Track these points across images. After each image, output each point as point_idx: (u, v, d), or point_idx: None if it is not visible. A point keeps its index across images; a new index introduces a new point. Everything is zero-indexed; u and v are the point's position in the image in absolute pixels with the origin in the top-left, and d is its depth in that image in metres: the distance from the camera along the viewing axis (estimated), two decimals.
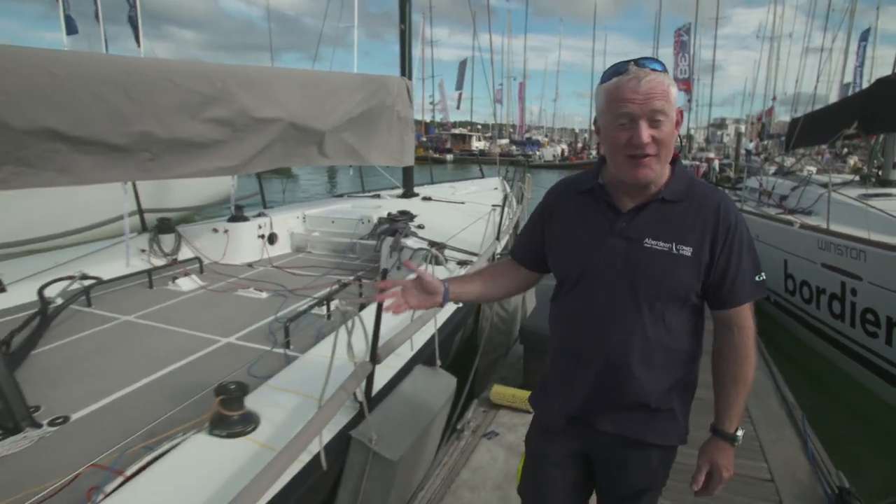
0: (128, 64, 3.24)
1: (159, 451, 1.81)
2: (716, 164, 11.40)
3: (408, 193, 7.06)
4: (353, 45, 8.24)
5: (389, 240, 4.67)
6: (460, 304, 3.39)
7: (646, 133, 1.13)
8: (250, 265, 5.12)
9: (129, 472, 1.71)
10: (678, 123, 1.20)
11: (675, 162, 1.26)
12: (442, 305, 1.41)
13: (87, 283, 3.84)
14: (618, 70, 1.17)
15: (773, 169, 9.51)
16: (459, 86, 48.21)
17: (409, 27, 6.60)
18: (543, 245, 1.40)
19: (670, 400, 1.29)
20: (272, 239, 5.48)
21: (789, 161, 9.38)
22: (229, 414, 1.79)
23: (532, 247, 1.44)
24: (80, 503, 1.81)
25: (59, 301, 3.63)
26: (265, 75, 4.24)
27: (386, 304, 1.33)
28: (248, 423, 1.83)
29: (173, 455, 1.75)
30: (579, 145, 48.70)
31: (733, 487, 2.42)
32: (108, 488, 1.68)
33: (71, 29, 22.37)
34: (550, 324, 1.40)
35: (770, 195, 7.18)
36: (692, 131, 39.52)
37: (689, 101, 33.89)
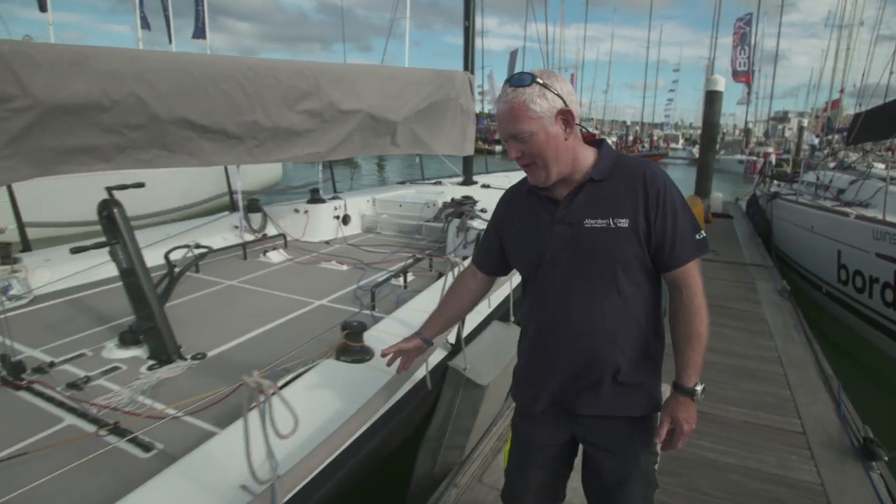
0: (243, 63, 3.78)
1: (298, 371, 2.30)
2: (772, 158, 11.23)
3: (467, 181, 7.48)
4: (401, 36, 8.67)
5: (456, 221, 5.10)
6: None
7: (514, 151, 1.29)
8: (327, 242, 5.67)
9: (279, 384, 2.21)
10: (568, 122, 1.28)
11: (599, 144, 1.38)
12: (431, 345, 1.67)
13: (199, 251, 4.46)
14: (501, 92, 1.31)
15: (833, 164, 9.39)
16: (509, 75, 48.09)
17: (473, 24, 6.98)
18: (500, 250, 1.51)
19: (640, 372, 1.35)
20: (346, 220, 6.02)
21: (854, 156, 9.22)
22: (353, 345, 2.26)
23: (490, 252, 1.56)
24: (236, 410, 2.32)
25: (176, 266, 4.25)
26: (350, 71, 4.73)
27: (394, 366, 1.65)
28: (367, 353, 2.29)
29: (310, 374, 2.24)
30: (630, 138, 47.75)
31: (767, 436, 2.74)
32: (266, 395, 2.18)
33: (144, 24, 23.90)
34: (523, 317, 1.49)
35: (827, 188, 7.20)
36: (750, 125, 38.19)
37: (749, 93, 32.75)
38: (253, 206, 5.65)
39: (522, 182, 1.46)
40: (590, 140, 1.38)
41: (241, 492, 1.67)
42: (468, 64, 7.05)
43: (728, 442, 2.69)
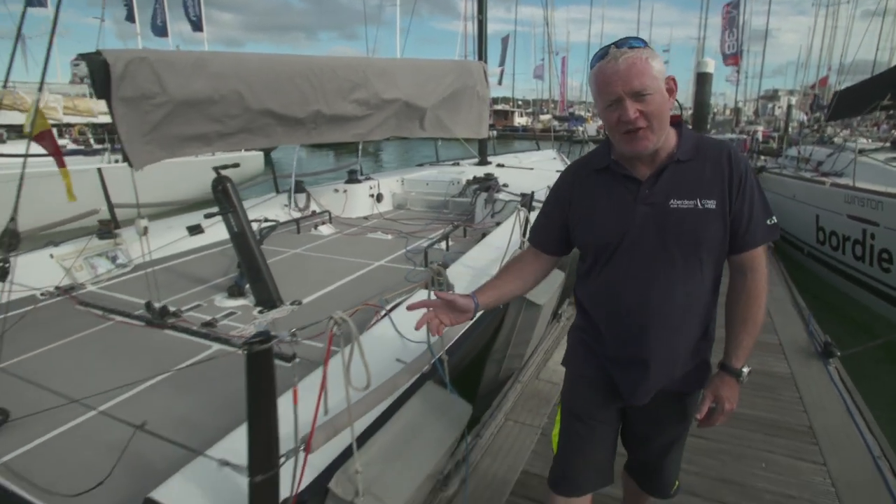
0: (311, 61, 4.45)
1: (397, 301, 3.03)
2: (759, 135, 11.99)
3: (483, 161, 8.18)
4: (388, 23, 9.31)
5: (484, 195, 5.82)
6: None
7: (632, 109, 1.20)
8: (365, 218, 6.37)
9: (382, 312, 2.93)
10: (672, 91, 1.27)
11: (679, 125, 1.34)
12: (473, 317, 1.45)
13: (267, 224, 5.16)
14: (601, 55, 1.26)
15: (815, 139, 10.16)
16: (502, 62, 48.56)
17: (485, 17, 7.64)
18: (563, 228, 1.45)
19: (703, 351, 1.39)
20: (379, 198, 6.73)
21: (843, 133, 9.94)
22: (440, 278, 2.99)
23: (552, 231, 1.49)
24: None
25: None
26: (390, 65, 5.40)
27: (423, 325, 1.38)
28: (450, 286, 3.02)
29: (406, 302, 2.96)
30: None
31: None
32: (378, 318, 2.90)
33: (130, 17, 24.25)
34: (591, 298, 1.44)
35: (808, 161, 7.98)
36: (740, 104, 38.90)
37: (738, 72, 33.44)
38: (298, 187, 6.34)
39: (592, 159, 1.44)
40: (671, 122, 1.33)
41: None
42: (481, 54, 7.71)
43: (719, 353, 3.45)
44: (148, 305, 3.50)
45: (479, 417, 2.83)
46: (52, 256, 4.17)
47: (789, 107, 29.26)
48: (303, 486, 1.48)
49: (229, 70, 3.67)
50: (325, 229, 5.71)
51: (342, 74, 4.73)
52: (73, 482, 1.91)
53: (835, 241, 6.19)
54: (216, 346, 3.08)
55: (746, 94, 38.95)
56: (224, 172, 3.71)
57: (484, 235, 4.67)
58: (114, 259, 4.49)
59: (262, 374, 1.25)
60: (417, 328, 1.38)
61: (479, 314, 1.49)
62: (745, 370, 1.34)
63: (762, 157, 10.73)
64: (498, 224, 5.17)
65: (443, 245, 4.86)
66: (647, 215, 1.28)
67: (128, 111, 3.13)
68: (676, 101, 1.33)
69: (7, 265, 2.51)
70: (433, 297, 1.47)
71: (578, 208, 1.41)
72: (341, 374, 1.53)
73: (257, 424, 1.28)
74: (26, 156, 2.78)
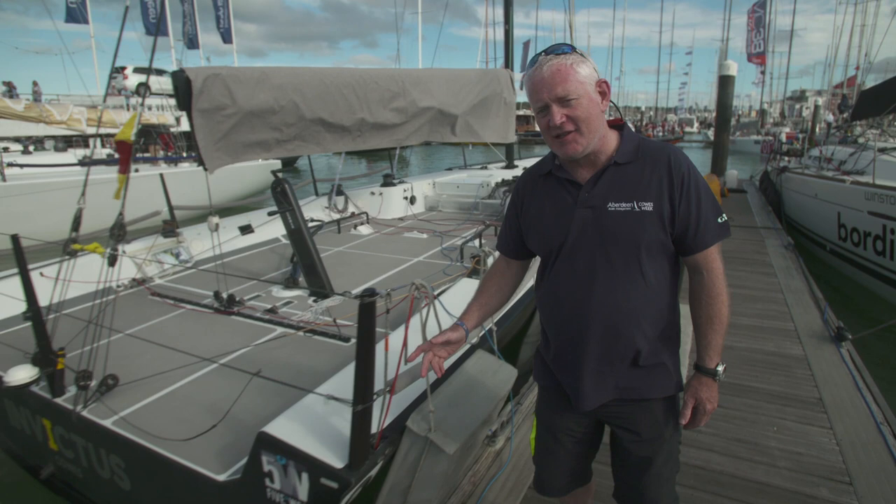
0: (356, 73, 4.85)
1: (443, 287, 3.38)
2: (782, 136, 12.03)
3: (510, 165, 8.51)
4: (408, 31, 9.73)
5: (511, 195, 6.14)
6: None
7: (559, 115, 1.23)
8: (400, 219, 6.75)
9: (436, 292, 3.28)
10: (604, 94, 1.29)
11: (621, 128, 1.36)
12: (467, 341, 1.55)
13: (314, 224, 5.57)
14: (531, 64, 1.29)
15: (838, 139, 10.23)
16: (523, 67, 48.89)
17: (512, 27, 7.98)
18: (520, 233, 1.48)
19: (661, 353, 1.36)
20: (413, 200, 7.11)
21: (872, 133, 9.93)
22: (479, 267, 3.32)
23: (511, 237, 1.52)
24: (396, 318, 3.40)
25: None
26: (425, 75, 5.78)
27: (427, 367, 1.44)
28: None
29: (453, 288, 3.31)
30: (644, 123, 48.13)
31: (768, 333, 3.75)
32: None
33: (155, 31, 25.25)
34: (540, 301, 1.47)
35: (830, 161, 8.11)
36: (766, 105, 38.49)
37: (763, 74, 33.15)
38: (338, 190, 6.76)
39: (539, 165, 1.46)
40: (611, 123, 1.37)
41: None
42: (508, 61, 8.06)
43: (738, 337, 3.71)
44: (216, 295, 3.93)
45: (520, 389, 3.15)
46: (123, 252, 4.64)
47: (816, 107, 28.96)
48: (386, 424, 1.83)
49: (287, 82, 4.08)
50: (364, 229, 6.11)
51: (383, 85, 5.13)
52: (182, 432, 2.31)
53: (856, 238, 6.35)
54: (280, 330, 3.47)
55: (772, 96, 38.47)
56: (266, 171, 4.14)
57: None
58: (177, 255, 4.94)
59: (368, 321, 1.61)
60: (423, 374, 1.51)
61: (470, 336, 1.55)
62: (720, 368, 1.34)
63: (785, 158, 10.82)
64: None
65: (476, 243, 5.20)
66: (587, 218, 1.30)
67: (204, 121, 3.55)
68: (612, 103, 1.34)
69: (117, 253, 2.93)
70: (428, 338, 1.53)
71: (527, 214, 1.45)
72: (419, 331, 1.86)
73: (362, 361, 1.64)
74: (89, 163, 3.21)
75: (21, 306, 3.76)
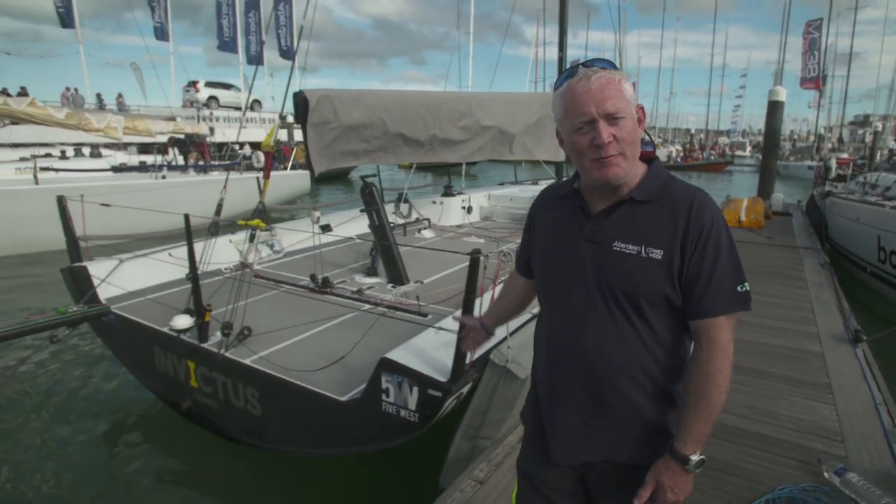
0: (431, 95, 5.62)
1: (500, 282, 4.03)
2: (831, 162, 12.12)
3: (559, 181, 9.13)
4: (456, 49, 10.38)
5: None
6: None
7: (606, 133, 1.11)
8: (458, 226, 7.46)
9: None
10: (641, 121, 1.18)
11: (650, 161, 1.24)
12: (490, 336, 1.64)
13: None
14: (569, 74, 1.17)
15: (888, 166, 10.37)
16: None
17: (566, 54, 8.65)
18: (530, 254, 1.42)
19: (661, 415, 1.21)
20: (470, 210, 7.82)
21: None
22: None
23: (523, 256, 1.47)
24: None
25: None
26: (487, 97, 6.51)
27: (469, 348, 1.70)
28: None
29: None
30: (692, 145, 47.56)
31: (791, 333, 4.22)
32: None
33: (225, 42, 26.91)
34: (535, 336, 1.39)
35: (874, 187, 8.35)
36: (822, 130, 37.59)
37: (820, 98, 32.47)
38: (403, 198, 7.54)
39: (559, 186, 1.37)
40: (642, 156, 1.24)
41: None
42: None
43: (762, 334, 4.18)
44: (312, 277, 4.70)
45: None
46: (230, 241, 5.50)
47: (875, 133, 28.22)
48: (475, 357, 2.50)
49: (377, 103, 4.86)
50: (427, 233, 6.85)
51: (452, 105, 5.88)
52: (306, 369, 3.04)
53: (895, 260, 6.64)
54: (368, 306, 4.20)
55: (830, 120, 37.48)
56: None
57: None
58: (272, 246, 5.78)
59: (475, 271, 2.30)
60: (469, 349, 1.82)
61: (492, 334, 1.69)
62: (695, 458, 1.13)
63: (834, 184, 11.00)
64: None
65: None
66: (589, 254, 1.20)
67: (314, 133, 4.36)
68: (647, 133, 1.23)
69: (254, 232, 3.74)
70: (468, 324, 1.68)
71: (537, 236, 1.37)
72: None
73: (469, 301, 2.32)
74: (229, 166, 4.04)
75: (157, 277, 4.69)
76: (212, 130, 16.78)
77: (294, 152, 16.18)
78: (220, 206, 4.17)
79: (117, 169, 13.10)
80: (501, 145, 6.95)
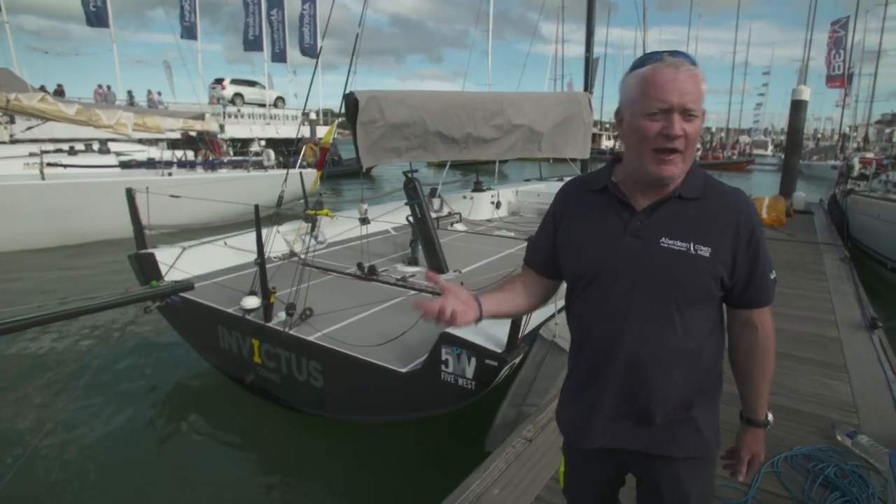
0: (467, 94, 5.96)
1: None
2: (854, 161, 12.18)
3: None
4: (470, 46, 10.66)
5: None
6: None
7: (679, 125, 1.11)
8: (488, 220, 7.79)
9: None
10: (702, 121, 1.18)
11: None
12: (477, 322, 1.27)
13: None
14: (652, 58, 1.15)
15: None
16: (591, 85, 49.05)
17: (592, 54, 8.91)
18: (552, 249, 1.37)
19: (692, 408, 1.26)
20: (498, 205, 8.14)
21: None
22: None
23: (541, 251, 1.41)
24: None
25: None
26: (518, 97, 6.81)
27: (426, 310, 1.18)
28: None
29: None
30: (713, 143, 47.11)
31: (811, 322, 4.47)
32: None
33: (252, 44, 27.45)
34: (570, 325, 1.39)
35: None
36: (847, 129, 37.12)
37: (846, 96, 32.06)
38: (433, 193, 7.88)
39: (591, 179, 1.35)
40: None
41: None
42: (587, 85, 8.98)
43: (783, 321, 4.43)
44: (359, 265, 5.07)
45: None
46: (278, 232, 5.89)
47: None
48: (526, 332, 2.83)
49: (419, 102, 5.20)
50: (459, 227, 7.18)
51: (485, 105, 6.20)
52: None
53: None
54: (412, 292, 4.55)
55: (856, 119, 36.95)
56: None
57: None
58: (316, 237, 6.16)
59: None
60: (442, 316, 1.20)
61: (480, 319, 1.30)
62: (770, 418, 1.37)
63: (856, 182, 11.10)
64: None
65: None
66: (634, 249, 1.20)
67: (363, 131, 4.71)
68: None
69: (317, 221, 4.12)
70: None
71: (565, 230, 1.34)
72: None
73: None
74: (292, 166, 4.42)
75: (216, 264, 5.09)
76: (222, 128, 16.23)
77: (303, 151, 16.25)
78: (280, 198, 4.56)
79: (125, 165, 13.03)
80: (531, 143, 7.25)
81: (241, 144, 22.78)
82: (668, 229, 1.19)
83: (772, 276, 1.25)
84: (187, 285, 4.02)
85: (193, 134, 15.30)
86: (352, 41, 4.46)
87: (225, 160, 15.56)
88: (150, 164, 13.34)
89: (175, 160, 13.71)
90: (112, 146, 16.41)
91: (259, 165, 14.65)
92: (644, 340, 1.21)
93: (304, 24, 29.44)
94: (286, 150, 22.63)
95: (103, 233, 9.98)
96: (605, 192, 1.28)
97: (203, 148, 15.84)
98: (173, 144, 16.18)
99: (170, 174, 11.85)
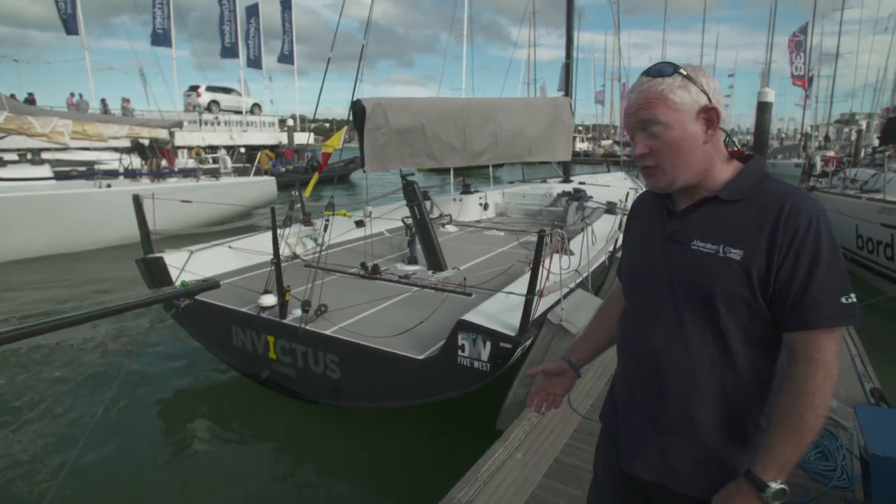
0: (462, 101, 6.29)
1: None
2: (816, 160, 12.96)
3: (566, 180, 9.83)
4: (441, 51, 11.02)
5: (574, 203, 7.45)
6: None
7: (640, 145, 1.12)
8: (477, 221, 8.13)
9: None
10: (711, 122, 1.09)
11: (746, 159, 1.16)
12: (578, 375, 1.46)
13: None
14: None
15: (867, 162, 11.20)
16: (560, 87, 50.07)
17: (573, 61, 9.35)
18: None
19: (729, 441, 1.11)
20: (486, 206, 8.49)
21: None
22: (565, 245, 4.62)
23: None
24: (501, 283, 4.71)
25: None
26: (508, 103, 7.17)
27: (542, 407, 1.47)
28: (570, 252, 4.66)
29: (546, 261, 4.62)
30: None
31: None
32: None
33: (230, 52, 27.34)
34: (617, 337, 1.36)
35: (854, 181, 9.16)
36: (808, 129, 38.68)
37: (807, 97, 33.54)
38: (425, 196, 8.17)
39: None
40: (738, 155, 1.17)
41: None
42: (568, 90, 9.41)
43: None
44: (362, 265, 5.34)
45: None
46: (281, 235, 6.11)
47: (859, 132, 29.24)
48: (536, 315, 3.16)
49: (420, 109, 5.51)
50: (450, 228, 7.50)
51: (479, 111, 6.53)
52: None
53: (871, 246, 7.40)
54: (415, 289, 4.84)
55: (817, 119, 38.56)
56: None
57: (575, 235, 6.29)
58: (315, 239, 6.41)
59: (541, 246, 2.95)
60: (538, 411, 1.49)
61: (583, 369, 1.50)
62: (775, 486, 1.00)
63: (818, 179, 11.82)
64: (588, 225, 6.77)
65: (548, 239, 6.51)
66: (668, 253, 1.16)
67: (369, 137, 4.99)
68: (724, 130, 1.15)
69: (329, 222, 4.39)
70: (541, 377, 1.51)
71: (627, 235, 1.37)
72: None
73: (535, 271, 2.97)
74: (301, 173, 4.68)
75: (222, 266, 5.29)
76: (172, 135, 14.90)
77: (258, 157, 15.81)
78: (293, 202, 4.82)
79: (61, 176, 12.08)
80: (521, 148, 7.58)
81: (213, 151, 22.40)
82: (700, 231, 1.12)
83: (844, 300, 1.02)
84: (214, 284, 4.23)
85: (145, 142, 14.20)
86: (322, 46, 4.72)
87: (175, 169, 14.86)
88: (90, 174, 12.46)
89: (122, 170, 13.15)
90: (87, 155, 15.81)
91: (213, 174, 14.06)
92: (667, 350, 1.14)
93: (285, 31, 29.62)
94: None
95: (29, 251, 9.55)
96: (659, 196, 1.25)
97: (151, 156, 14.67)
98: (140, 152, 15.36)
99: (108, 185, 11.07)
